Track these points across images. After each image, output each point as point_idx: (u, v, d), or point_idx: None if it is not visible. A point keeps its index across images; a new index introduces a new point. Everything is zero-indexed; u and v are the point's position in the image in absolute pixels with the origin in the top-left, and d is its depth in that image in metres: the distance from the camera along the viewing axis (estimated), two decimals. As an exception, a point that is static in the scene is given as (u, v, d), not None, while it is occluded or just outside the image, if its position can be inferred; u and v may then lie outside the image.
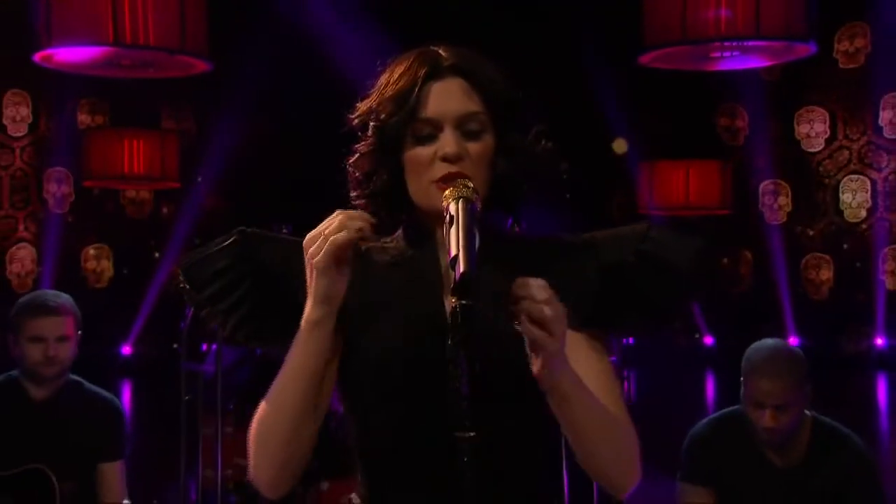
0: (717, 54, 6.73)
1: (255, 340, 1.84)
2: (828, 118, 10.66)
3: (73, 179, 10.05)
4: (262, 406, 1.73)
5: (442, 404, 1.61)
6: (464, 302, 1.52)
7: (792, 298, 10.55)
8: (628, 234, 1.83)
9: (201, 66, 6.18)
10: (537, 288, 1.55)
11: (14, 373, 3.33)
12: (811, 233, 10.82)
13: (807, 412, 3.16)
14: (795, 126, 10.76)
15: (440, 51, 1.78)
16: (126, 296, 9.92)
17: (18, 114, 10.24)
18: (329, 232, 1.61)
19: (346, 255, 1.61)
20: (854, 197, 10.63)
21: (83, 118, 10.40)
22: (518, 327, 1.56)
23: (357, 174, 1.81)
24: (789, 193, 10.89)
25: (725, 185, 9.42)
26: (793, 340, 10.64)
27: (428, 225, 1.74)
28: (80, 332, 3.31)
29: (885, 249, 10.42)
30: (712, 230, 10.60)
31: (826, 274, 10.75)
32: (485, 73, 1.77)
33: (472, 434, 1.58)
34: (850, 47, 10.54)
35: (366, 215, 1.66)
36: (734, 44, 6.45)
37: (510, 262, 1.76)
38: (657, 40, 6.48)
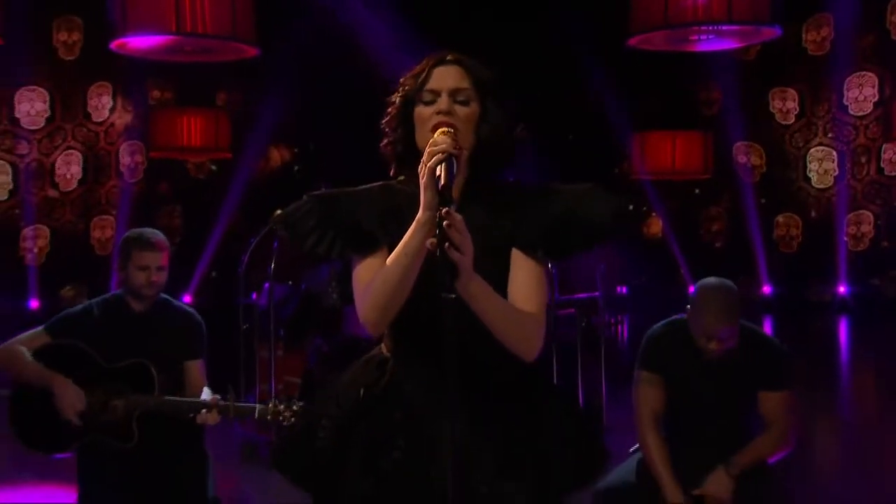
0: (696, 37, 7.00)
1: (344, 257, 2.28)
2: (797, 97, 10.88)
3: (145, 151, 10.41)
4: (377, 277, 2.13)
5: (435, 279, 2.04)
6: (444, 209, 1.97)
7: (766, 252, 10.85)
8: (578, 190, 2.24)
9: (250, 51, 6.47)
10: (460, 222, 1.98)
11: (119, 291, 3.75)
12: (783, 196, 11.04)
13: None
14: (770, 101, 10.97)
15: (448, 52, 2.25)
16: (187, 250, 10.30)
17: (100, 102, 10.65)
18: (426, 160, 2.04)
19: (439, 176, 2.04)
20: (821, 165, 10.86)
21: (153, 97, 10.76)
22: (447, 250, 1.96)
23: (387, 128, 2.26)
24: (765, 161, 11.10)
25: (707, 153, 9.57)
26: (766, 289, 11.05)
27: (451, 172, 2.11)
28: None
29: (849, 215, 10.66)
30: (691, 191, 10.98)
31: (795, 231, 11.01)
32: (476, 65, 2.23)
33: (452, 296, 1.98)
34: (818, 36, 10.73)
35: (448, 144, 2.06)
36: (710, 28, 6.76)
37: (495, 199, 2.23)
38: (643, 25, 6.77)
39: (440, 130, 2.12)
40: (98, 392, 3.52)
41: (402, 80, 2.25)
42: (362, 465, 2.18)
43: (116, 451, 3.50)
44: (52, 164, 10.61)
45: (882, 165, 10.56)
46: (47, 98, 10.52)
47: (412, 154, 2.17)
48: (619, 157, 10.32)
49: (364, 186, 2.30)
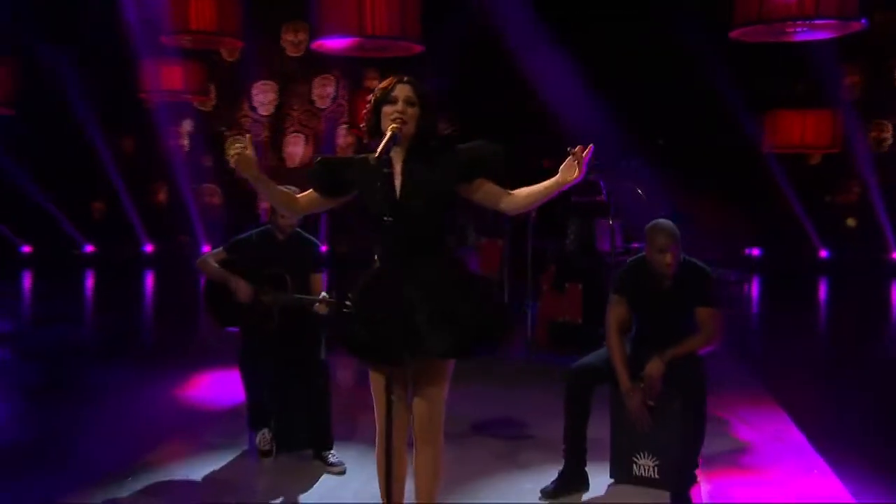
0: (791, 30, 7.47)
1: (341, 197, 3.46)
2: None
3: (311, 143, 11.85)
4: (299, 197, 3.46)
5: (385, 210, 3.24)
6: (386, 170, 3.23)
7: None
8: (480, 146, 3.30)
9: (416, 48, 7.45)
10: (579, 163, 3.10)
11: (269, 225, 5.02)
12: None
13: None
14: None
15: (405, 76, 3.35)
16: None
17: (325, 92, 12.18)
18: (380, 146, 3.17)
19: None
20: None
21: (365, 85, 11.94)
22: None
23: (365, 118, 3.38)
24: (892, 134, 11.28)
25: (836, 130, 9.90)
26: (894, 255, 11.25)
27: (389, 145, 3.23)
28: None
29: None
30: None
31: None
32: (420, 84, 3.32)
33: (390, 219, 3.17)
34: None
35: (392, 129, 3.22)
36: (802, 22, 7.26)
37: (430, 156, 3.32)
38: (742, 20, 7.35)
39: (392, 126, 3.25)
40: (254, 290, 4.98)
41: (376, 89, 3.37)
42: (360, 312, 3.35)
43: (264, 329, 4.84)
44: (281, 144, 12.39)
45: None
46: (277, 89, 12.28)
47: (379, 133, 3.32)
48: (746, 135, 10.57)
49: (353, 156, 3.47)
